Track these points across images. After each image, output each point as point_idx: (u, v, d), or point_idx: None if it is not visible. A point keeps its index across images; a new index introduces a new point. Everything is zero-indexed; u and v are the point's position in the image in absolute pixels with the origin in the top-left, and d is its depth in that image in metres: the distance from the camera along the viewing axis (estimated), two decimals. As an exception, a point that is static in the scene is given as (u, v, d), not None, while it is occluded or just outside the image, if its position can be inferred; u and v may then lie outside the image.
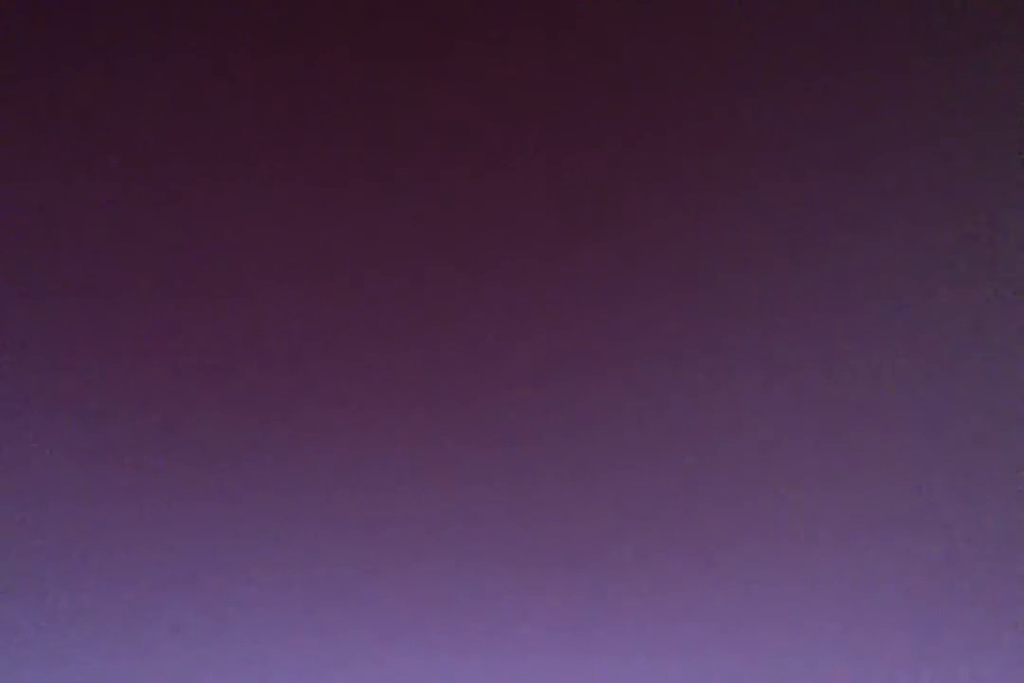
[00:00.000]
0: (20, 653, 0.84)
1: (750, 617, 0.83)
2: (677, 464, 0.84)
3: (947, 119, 0.85)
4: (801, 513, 0.83)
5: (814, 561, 0.83)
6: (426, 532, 0.84)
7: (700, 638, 0.83)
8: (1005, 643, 0.82)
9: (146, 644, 0.84)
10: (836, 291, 0.84)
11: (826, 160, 0.85)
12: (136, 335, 0.85)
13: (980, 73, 0.85)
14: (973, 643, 0.83)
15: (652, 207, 0.85)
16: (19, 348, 0.85)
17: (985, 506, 0.83)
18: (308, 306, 0.85)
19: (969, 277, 0.84)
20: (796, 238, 0.84)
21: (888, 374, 0.84)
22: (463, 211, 0.85)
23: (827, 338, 0.84)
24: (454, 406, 0.84)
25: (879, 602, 0.83)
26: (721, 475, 0.84)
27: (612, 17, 0.85)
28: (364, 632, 0.84)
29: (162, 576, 0.84)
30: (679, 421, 0.84)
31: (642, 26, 0.85)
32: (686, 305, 0.84)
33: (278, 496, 0.84)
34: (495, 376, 0.84)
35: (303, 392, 0.84)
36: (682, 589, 0.83)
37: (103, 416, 0.84)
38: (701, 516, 0.83)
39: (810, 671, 0.83)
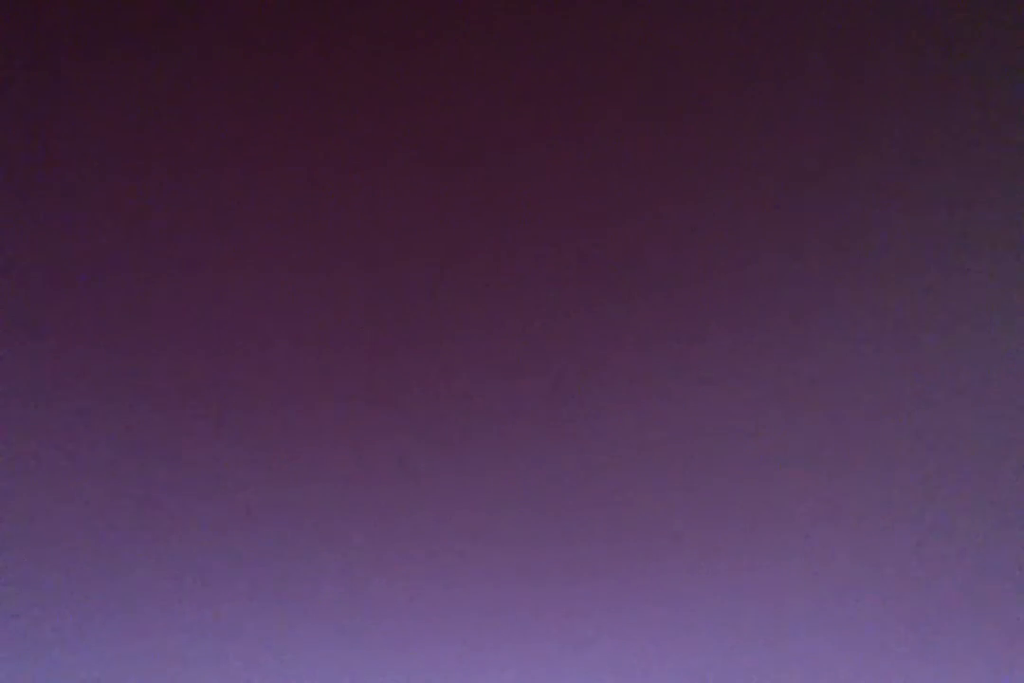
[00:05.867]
0: (18, 655, 0.84)
1: (750, 618, 0.83)
2: (677, 465, 0.84)
3: (948, 118, 0.85)
4: (801, 511, 0.84)
5: (814, 560, 0.83)
6: (427, 535, 0.84)
7: (700, 637, 0.83)
8: (1006, 642, 0.83)
9: (148, 651, 0.84)
10: (836, 290, 0.84)
11: (820, 160, 0.85)
12: (137, 336, 0.85)
13: (982, 72, 0.85)
14: (973, 642, 0.83)
15: (650, 206, 0.85)
16: (17, 348, 0.85)
17: (985, 505, 0.83)
18: (307, 310, 0.85)
19: (969, 275, 0.84)
20: (793, 235, 0.84)
21: (889, 373, 0.84)
22: (459, 210, 0.85)
23: (827, 339, 0.84)
24: (453, 407, 0.84)
25: (878, 603, 0.83)
26: (723, 475, 0.84)
27: (614, 14, 0.85)
28: (364, 634, 0.84)
29: (162, 578, 0.84)
30: (680, 423, 0.84)
31: (643, 23, 0.86)
32: (687, 304, 0.84)
33: (282, 496, 0.84)
34: (492, 375, 0.84)
35: (305, 393, 0.85)
36: (680, 589, 0.83)
37: (107, 420, 0.85)
38: (701, 516, 0.84)
39: (807, 670, 0.83)
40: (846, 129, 0.85)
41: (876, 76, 0.85)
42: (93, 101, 0.86)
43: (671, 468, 0.84)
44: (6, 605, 0.84)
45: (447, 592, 0.84)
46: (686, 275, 0.84)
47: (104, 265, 0.85)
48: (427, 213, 0.85)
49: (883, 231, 0.85)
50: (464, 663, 0.84)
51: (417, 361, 0.85)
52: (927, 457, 0.84)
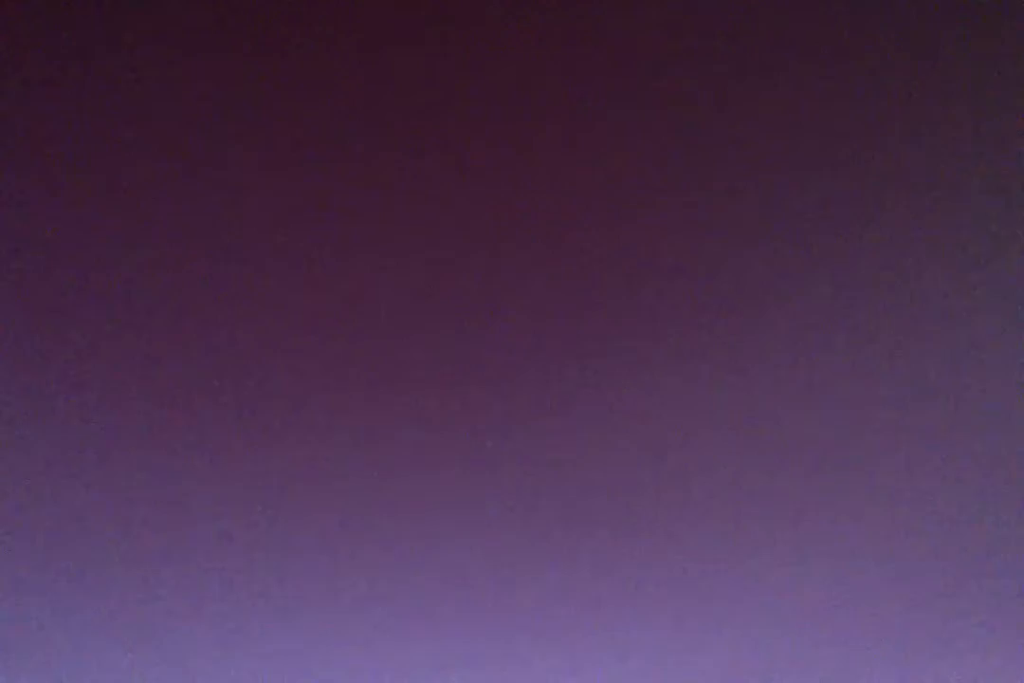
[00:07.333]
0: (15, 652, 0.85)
1: (754, 614, 0.83)
2: (677, 461, 0.84)
3: (947, 114, 0.85)
4: (806, 506, 0.84)
5: (811, 558, 0.83)
6: (430, 531, 0.84)
7: (702, 633, 0.84)
8: (1004, 644, 0.83)
9: (150, 648, 0.84)
10: (835, 289, 0.84)
11: (820, 157, 0.85)
12: (141, 332, 0.85)
13: (981, 68, 0.85)
14: (974, 640, 0.83)
15: (650, 200, 0.85)
16: (17, 350, 0.85)
17: (981, 505, 0.83)
18: (309, 308, 0.85)
19: (967, 274, 0.84)
20: (794, 230, 0.84)
21: (892, 367, 0.84)
22: (458, 209, 0.85)
23: (824, 338, 0.84)
24: (453, 403, 0.84)
25: (874, 603, 0.83)
26: (727, 470, 0.84)
27: (612, 13, 0.85)
28: (368, 630, 0.84)
29: (164, 575, 0.84)
30: (682, 418, 0.84)
31: (641, 20, 0.85)
32: (685, 301, 0.84)
33: (281, 487, 0.84)
34: (491, 371, 0.84)
35: (307, 391, 0.85)
36: (674, 587, 0.84)
37: (110, 421, 0.85)
38: (704, 510, 0.84)
39: (802, 670, 0.83)
40: (845, 128, 0.85)
41: (878, 75, 0.85)
42: (92, 100, 0.86)
43: (671, 463, 0.84)
44: (9, 605, 0.85)
45: (448, 588, 0.84)
46: (688, 269, 0.84)
47: (107, 262, 0.85)
48: (430, 210, 0.85)
49: (884, 226, 0.84)
50: (464, 660, 0.84)
51: (418, 357, 0.85)
52: (930, 452, 0.84)
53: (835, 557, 0.83)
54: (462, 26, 0.86)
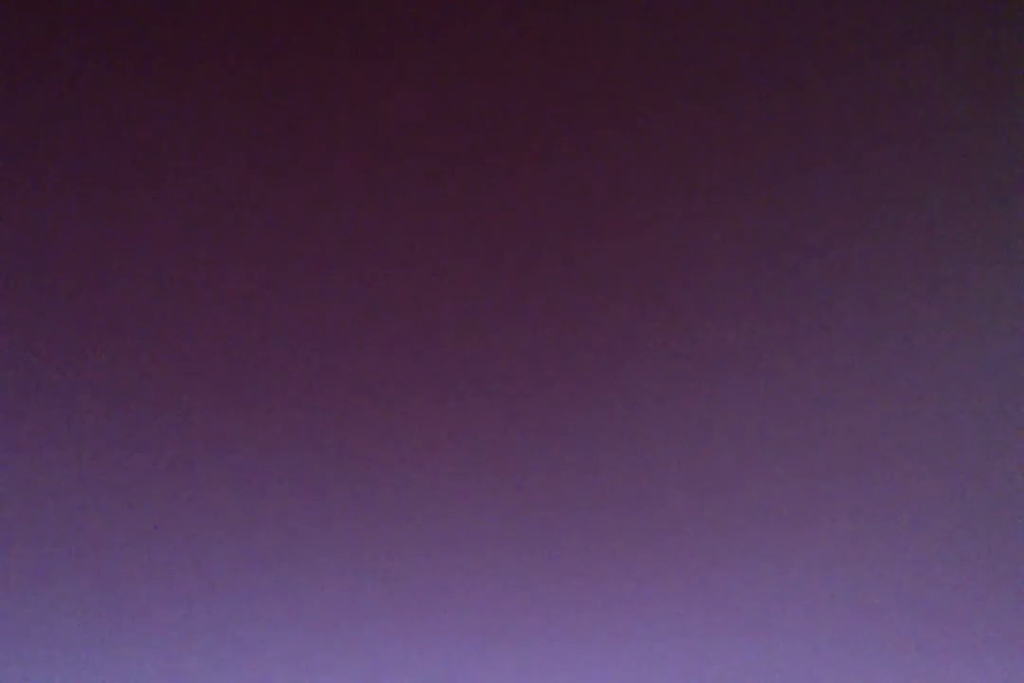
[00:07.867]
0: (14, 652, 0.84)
1: (751, 619, 0.83)
2: (675, 465, 0.84)
3: (948, 117, 0.85)
4: (797, 510, 0.83)
5: (810, 558, 0.83)
6: (430, 535, 0.84)
7: (700, 636, 0.83)
8: (1003, 645, 0.82)
9: (150, 651, 0.84)
10: (830, 293, 0.84)
11: (821, 160, 0.85)
12: (141, 333, 0.85)
13: (982, 70, 0.85)
14: (968, 641, 0.83)
15: (649, 209, 0.85)
16: (20, 345, 0.85)
17: (980, 506, 0.83)
18: (308, 310, 0.85)
19: (969, 274, 0.84)
20: (788, 238, 0.84)
21: (887, 373, 0.84)
22: (455, 213, 0.85)
23: (820, 339, 0.84)
24: (453, 409, 0.84)
25: (878, 609, 0.83)
26: (718, 472, 0.84)
27: (613, 16, 0.85)
28: (367, 636, 0.84)
29: (164, 579, 0.84)
30: (673, 421, 0.84)
31: (644, 23, 0.85)
32: (682, 304, 0.84)
33: (283, 498, 0.84)
34: (493, 376, 0.84)
35: (305, 394, 0.85)
36: (671, 589, 0.83)
37: (109, 421, 0.85)
38: (701, 516, 0.84)
39: (806, 675, 0.83)
40: (845, 129, 0.85)
41: (880, 78, 0.85)
42: (93, 104, 0.86)
43: (669, 469, 0.84)
44: (8, 607, 0.84)
45: (447, 595, 0.84)
46: (695, 276, 0.84)
47: (113, 262, 0.85)
48: (429, 216, 0.85)
49: (883, 231, 0.85)
50: (466, 666, 0.84)
51: (414, 363, 0.85)
52: (930, 455, 0.84)
53: (839, 562, 0.83)
54: (467, 28, 0.86)
